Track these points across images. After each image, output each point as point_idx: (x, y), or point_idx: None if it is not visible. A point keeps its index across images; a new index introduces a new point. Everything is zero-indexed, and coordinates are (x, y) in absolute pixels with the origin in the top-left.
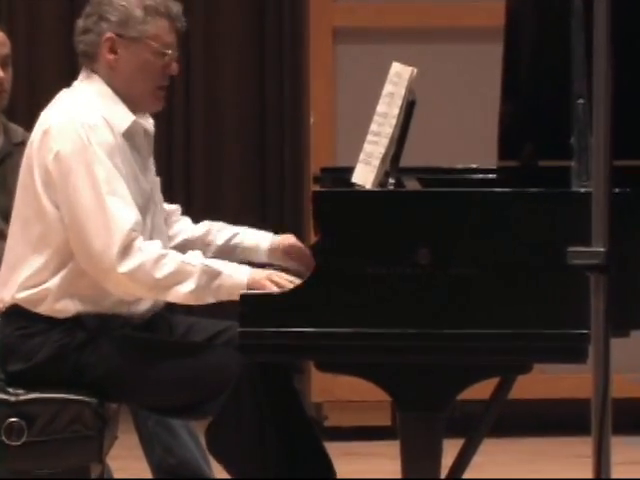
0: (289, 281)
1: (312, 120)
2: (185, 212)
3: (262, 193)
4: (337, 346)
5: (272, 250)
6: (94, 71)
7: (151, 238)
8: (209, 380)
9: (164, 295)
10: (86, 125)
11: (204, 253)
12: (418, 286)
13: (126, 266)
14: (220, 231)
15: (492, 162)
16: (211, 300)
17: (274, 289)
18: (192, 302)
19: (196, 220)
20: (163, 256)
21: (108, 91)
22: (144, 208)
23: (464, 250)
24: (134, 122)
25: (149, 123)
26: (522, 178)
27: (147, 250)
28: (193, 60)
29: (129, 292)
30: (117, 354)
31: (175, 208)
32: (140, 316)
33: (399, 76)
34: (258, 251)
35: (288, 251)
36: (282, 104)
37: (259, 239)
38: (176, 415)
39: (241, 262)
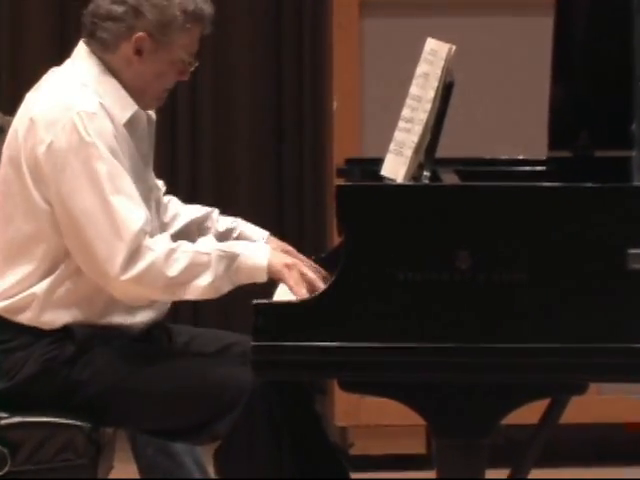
0: (310, 275)
1: (335, 105)
2: None
3: (278, 188)
4: (364, 363)
5: (269, 242)
6: (103, 60)
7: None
8: (218, 396)
9: (181, 293)
10: (83, 113)
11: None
12: (457, 294)
13: (135, 270)
14: (220, 219)
15: (541, 152)
16: (229, 288)
17: (298, 290)
18: (211, 295)
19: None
20: (173, 250)
21: (111, 79)
22: (147, 203)
23: (509, 253)
24: (137, 111)
25: (152, 113)
26: (576, 171)
27: (156, 247)
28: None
29: (141, 297)
30: (113, 369)
31: (160, 184)
32: (140, 326)
33: (435, 54)
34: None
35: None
36: (301, 87)
37: (257, 233)
38: (180, 438)
39: None
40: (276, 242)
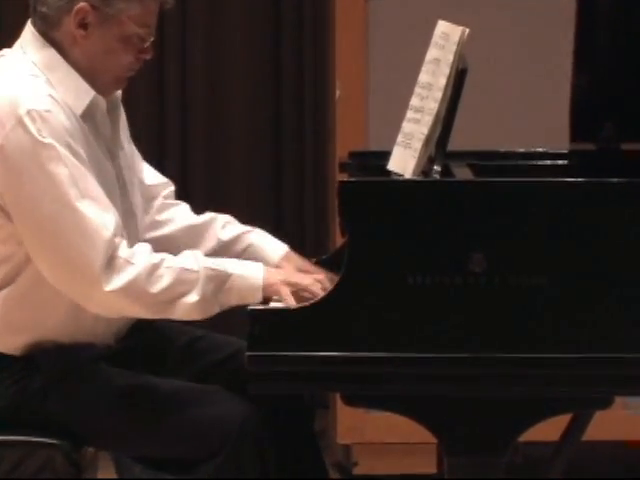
0: (313, 284)
1: (338, 93)
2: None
3: (275, 184)
4: (370, 374)
5: (286, 259)
6: (49, 38)
7: (125, 226)
8: (204, 436)
9: (164, 313)
10: (35, 113)
11: (201, 248)
12: (470, 300)
13: (115, 283)
14: (227, 225)
15: (563, 145)
16: (219, 309)
17: (290, 300)
18: (198, 316)
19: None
20: (156, 266)
21: (63, 64)
22: (110, 193)
23: (528, 255)
24: (94, 98)
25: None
26: (600, 164)
27: (137, 261)
28: (190, 14)
29: (126, 312)
30: (90, 399)
31: (163, 182)
32: (115, 339)
33: (446, 38)
34: (270, 257)
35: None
36: (301, 74)
37: (273, 248)
38: (165, 470)
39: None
40: (296, 259)
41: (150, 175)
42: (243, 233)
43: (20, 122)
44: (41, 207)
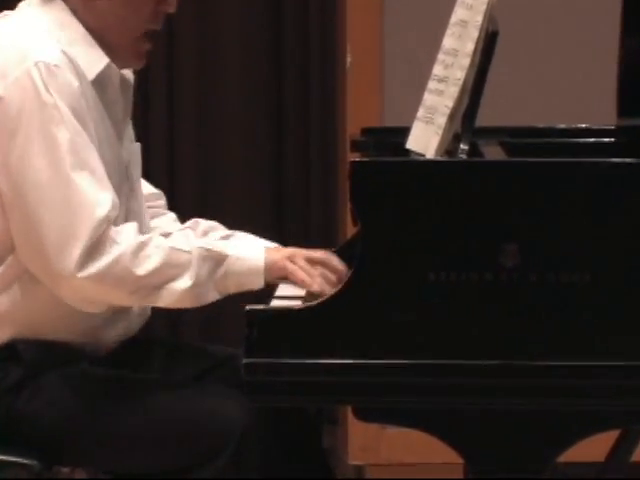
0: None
1: (349, 60)
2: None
3: (276, 167)
4: (385, 385)
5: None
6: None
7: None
8: (201, 436)
9: (152, 298)
10: (42, 65)
11: None
12: (501, 299)
13: (95, 266)
14: (209, 231)
15: (609, 120)
16: (214, 297)
17: (299, 275)
18: (191, 303)
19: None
20: (144, 244)
21: (75, 22)
22: (119, 187)
23: (569, 248)
24: (108, 66)
25: (128, 73)
26: None
27: (122, 240)
28: None
29: (100, 300)
30: (69, 399)
31: (155, 193)
32: (107, 345)
33: None
34: None
35: None
36: (306, 39)
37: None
38: None
39: None
40: None
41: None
42: (224, 236)
43: (26, 73)
44: (30, 171)
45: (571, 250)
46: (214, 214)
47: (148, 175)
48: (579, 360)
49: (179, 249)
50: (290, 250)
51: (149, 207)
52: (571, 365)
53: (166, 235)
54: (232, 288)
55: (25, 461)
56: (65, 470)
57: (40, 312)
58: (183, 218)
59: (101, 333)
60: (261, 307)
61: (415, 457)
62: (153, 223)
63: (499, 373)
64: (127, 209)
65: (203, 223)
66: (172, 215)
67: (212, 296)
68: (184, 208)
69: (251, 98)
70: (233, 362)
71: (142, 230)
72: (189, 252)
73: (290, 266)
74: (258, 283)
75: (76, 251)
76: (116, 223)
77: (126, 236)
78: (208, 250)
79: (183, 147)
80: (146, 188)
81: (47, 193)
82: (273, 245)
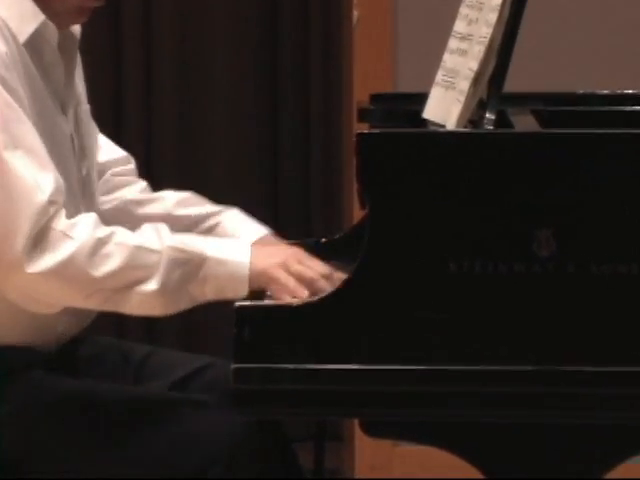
0: (318, 272)
1: (356, 14)
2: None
3: (272, 139)
4: (397, 394)
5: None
6: None
7: (78, 200)
8: (184, 456)
9: (111, 304)
10: None
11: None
12: (534, 293)
13: (42, 262)
14: (187, 201)
15: None
16: (188, 304)
17: (290, 286)
18: (160, 311)
19: None
20: (102, 242)
21: None
22: (62, 164)
23: (611, 234)
24: (43, 24)
25: (74, 27)
26: None
27: (77, 235)
28: None
29: (55, 300)
30: (28, 419)
31: (123, 156)
32: (54, 343)
33: None
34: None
35: None
36: None
37: (250, 226)
38: None
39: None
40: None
41: (106, 149)
42: (210, 212)
43: None
44: None
45: (616, 237)
46: (198, 186)
47: (121, 140)
48: (622, 365)
49: (146, 248)
50: (283, 255)
51: (115, 175)
52: (611, 372)
53: (135, 205)
54: (210, 295)
55: None
56: None
57: None
58: (159, 188)
59: (46, 331)
60: (253, 303)
61: (430, 474)
62: (116, 195)
63: (530, 380)
64: (77, 179)
65: (178, 194)
66: (142, 183)
67: (185, 303)
68: (162, 176)
69: (242, 58)
70: (211, 371)
71: (95, 203)
72: (158, 252)
73: (282, 275)
74: (241, 292)
75: (19, 241)
76: (70, 213)
77: (82, 230)
78: (183, 250)
79: (162, 103)
80: (112, 152)
81: None
82: (265, 232)
